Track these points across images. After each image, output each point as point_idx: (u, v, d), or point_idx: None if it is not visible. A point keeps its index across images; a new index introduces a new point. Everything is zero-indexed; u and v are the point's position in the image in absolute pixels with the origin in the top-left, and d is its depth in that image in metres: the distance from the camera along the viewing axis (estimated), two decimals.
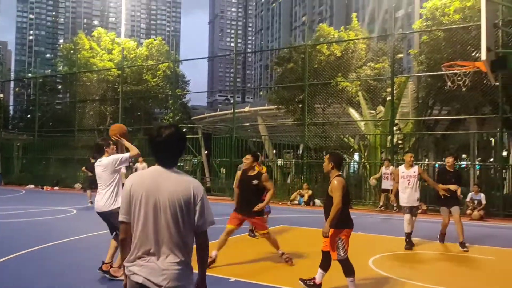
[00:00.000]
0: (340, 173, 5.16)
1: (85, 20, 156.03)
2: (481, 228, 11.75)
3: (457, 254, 7.90)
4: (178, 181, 2.46)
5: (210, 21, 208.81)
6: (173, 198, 2.40)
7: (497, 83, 14.02)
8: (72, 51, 31.94)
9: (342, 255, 4.96)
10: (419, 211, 14.18)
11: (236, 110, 22.13)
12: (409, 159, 8.59)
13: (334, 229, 4.95)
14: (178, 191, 2.42)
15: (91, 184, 15.85)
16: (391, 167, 14.88)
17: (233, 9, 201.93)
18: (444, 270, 6.73)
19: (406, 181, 8.40)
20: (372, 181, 15.18)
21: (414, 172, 8.39)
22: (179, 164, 23.12)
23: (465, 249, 7.96)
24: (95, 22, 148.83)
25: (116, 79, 27.41)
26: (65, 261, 6.76)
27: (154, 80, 28.74)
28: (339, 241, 4.95)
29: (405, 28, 52.95)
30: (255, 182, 6.60)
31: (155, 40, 32.31)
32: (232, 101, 22.20)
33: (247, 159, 7.03)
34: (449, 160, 8.63)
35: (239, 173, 7.23)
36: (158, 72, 28.98)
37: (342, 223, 4.96)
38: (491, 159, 21.47)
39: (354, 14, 25.08)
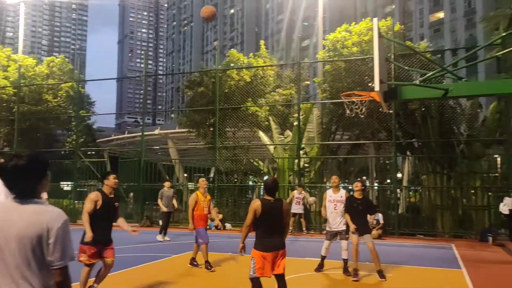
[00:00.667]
0: (264, 197, 5.36)
1: None
2: (379, 246, 12.50)
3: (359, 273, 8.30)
4: (31, 214, 2.16)
5: (119, 41, 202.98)
6: (22, 234, 2.11)
7: (391, 111, 15.33)
8: None
9: (251, 273, 5.13)
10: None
11: (146, 133, 21.56)
12: (333, 181, 8.44)
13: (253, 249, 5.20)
14: (29, 226, 2.12)
15: None
16: (303, 192, 15.46)
17: (143, 30, 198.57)
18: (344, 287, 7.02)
19: (332, 206, 8.17)
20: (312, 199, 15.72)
21: (341, 197, 8.13)
22: (82, 189, 21.83)
23: (383, 279, 7.52)
24: None
25: (12, 98, 25.29)
26: None
27: (56, 100, 26.99)
28: (252, 260, 5.14)
29: (310, 58, 56.13)
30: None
31: (57, 58, 30.49)
32: (141, 123, 21.56)
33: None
34: (356, 185, 7.93)
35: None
36: (60, 92, 27.27)
37: (256, 244, 5.20)
38: (388, 181, 23.25)
39: (262, 42, 25.98)
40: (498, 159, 16.69)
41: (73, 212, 19.60)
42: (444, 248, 12.36)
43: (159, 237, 13.09)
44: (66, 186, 22.87)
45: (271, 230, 5.26)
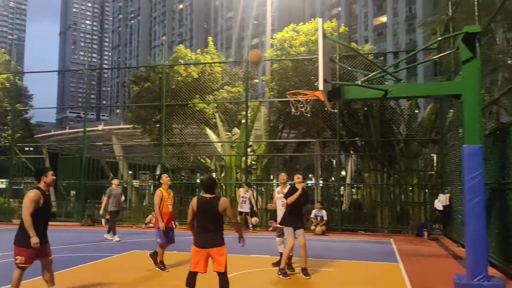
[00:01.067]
0: (201, 194, 5.53)
1: None
2: (323, 242, 12.87)
3: (300, 267, 8.46)
4: None
5: (61, 32, 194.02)
6: None
7: (335, 111, 15.76)
8: None
9: (189, 267, 5.39)
10: (270, 228, 15.01)
11: (89, 129, 20.82)
12: (281, 178, 8.53)
13: None
14: None
15: None
16: (250, 191, 15.56)
17: (87, 22, 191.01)
18: (288, 283, 7.13)
19: (280, 202, 8.27)
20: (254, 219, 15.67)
21: None
22: (18, 187, 20.68)
23: (308, 276, 7.50)
24: None
25: None
26: None
27: None
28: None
29: None
30: None
31: None
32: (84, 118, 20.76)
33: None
34: (298, 176, 8.07)
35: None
36: None
37: (194, 240, 5.42)
38: (332, 178, 23.91)
39: (210, 38, 25.79)
40: (434, 157, 17.62)
41: (8, 211, 18.58)
42: (383, 243, 12.89)
43: (108, 236, 12.62)
44: (1, 183, 21.59)
45: (205, 227, 5.36)
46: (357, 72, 14.68)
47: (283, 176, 8.68)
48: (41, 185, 5.59)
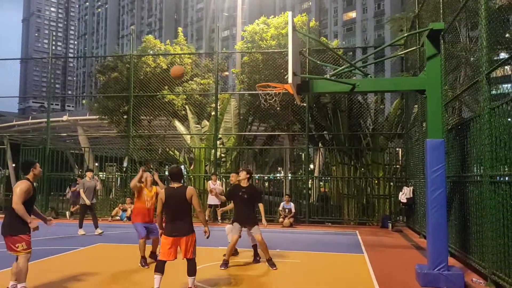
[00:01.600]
0: (169, 185, 5.76)
1: None
2: (291, 234, 13.02)
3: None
4: None
5: (24, 19, 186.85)
6: None
7: (304, 104, 15.90)
8: None
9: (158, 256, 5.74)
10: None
11: (53, 119, 20.25)
12: (231, 179, 8.75)
13: None
14: None
15: None
16: (218, 182, 15.50)
17: (52, 9, 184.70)
18: (254, 275, 7.19)
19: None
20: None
21: None
22: None
23: (274, 267, 7.61)
24: None
25: None
26: None
27: None
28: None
29: (229, 48, 56.19)
30: None
31: None
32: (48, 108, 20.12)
33: None
34: (241, 174, 7.96)
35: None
36: None
37: (164, 229, 5.74)
38: (301, 171, 24.15)
39: (180, 29, 25.44)
40: (399, 151, 18.07)
41: None
42: (349, 234, 13.15)
43: (81, 231, 12.19)
44: None
45: (174, 216, 5.60)
46: (326, 66, 14.83)
47: (231, 177, 8.77)
48: (30, 176, 5.79)
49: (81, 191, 12.53)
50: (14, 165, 26.59)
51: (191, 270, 5.68)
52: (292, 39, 6.86)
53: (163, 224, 5.87)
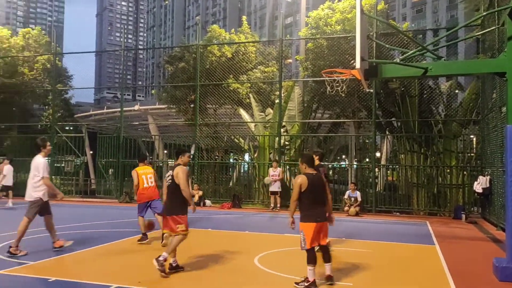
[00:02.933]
0: (308, 171, 5.64)
1: None
2: (357, 223, 12.79)
3: (334, 248, 8.47)
4: None
5: (98, 13, 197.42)
6: None
7: (371, 90, 15.42)
8: None
9: (303, 246, 5.48)
10: None
11: (125, 109, 21.28)
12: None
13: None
14: None
15: None
16: (278, 168, 15.52)
17: (123, 3, 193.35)
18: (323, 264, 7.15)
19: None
20: (266, 179, 15.74)
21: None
22: (59, 165, 21.47)
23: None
24: None
25: None
26: None
27: (32, 73, 26.24)
28: (301, 234, 5.49)
29: (293, 35, 55.72)
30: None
31: (33, 29, 29.52)
32: (121, 98, 21.21)
33: None
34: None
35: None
36: (36, 65, 26.51)
37: (303, 217, 5.52)
38: (367, 159, 23.56)
39: (244, 18, 25.61)
40: (474, 139, 17.04)
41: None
42: (418, 224, 12.67)
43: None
44: None
45: (316, 202, 5.55)
46: (395, 49, 14.26)
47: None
48: (181, 161, 6.43)
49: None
50: (91, 152, 28.36)
51: (327, 256, 5.69)
52: (360, 22, 6.66)
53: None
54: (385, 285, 6.06)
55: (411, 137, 17.14)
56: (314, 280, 5.40)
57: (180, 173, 6.13)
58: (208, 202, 16.91)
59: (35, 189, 7.27)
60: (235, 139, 21.02)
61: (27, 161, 19.45)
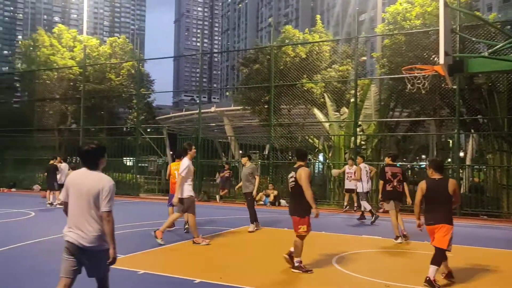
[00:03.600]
0: (434, 176, 5.96)
1: (45, 16, 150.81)
2: None
3: (416, 252, 8.15)
4: (94, 178, 3.74)
5: (176, 20, 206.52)
6: (89, 189, 3.68)
7: (454, 86, 14.58)
8: (31, 48, 30.82)
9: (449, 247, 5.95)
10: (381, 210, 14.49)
11: (202, 110, 22.02)
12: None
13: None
14: (93, 185, 3.69)
15: (50, 185, 15.43)
16: (354, 166, 15.08)
17: (199, 9, 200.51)
18: (405, 268, 6.92)
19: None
20: (334, 171, 15.42)
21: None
22: (143, 165, 22.79)
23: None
24: (56, 19, 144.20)
25: (78, 78, 26.65)
26: (26, 265, 6.52)
27: (118, 79, 28.13)
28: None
29: (368, 32, 54.23)
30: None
31: (119, 38, 31.65)
32: (198, 101, 22.03)
33: None
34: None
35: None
36: (122, 71, 28.38)
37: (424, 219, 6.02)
38: (449, 160, 22.29)
39: (318, 17, 25.40)
40: None
41: (136, 186, 20.57)
42: (509, 229, 11.77)
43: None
44: (129, 161, 23.93)
45: (433, 206, 5.91)
46: (482, 42, 13.35)
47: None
48: (303, 163, 6.55)
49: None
50: (171, 152, 29.74)
51: (434, 259, 5.80)
52: (444, 15, 6.36)
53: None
54: None
55: (499, 135, 15.95)
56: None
57: (303, 174, 6.20)
58: (283, 202, 17.01)
59: (188, 187, 8.18)
60: (309, 139, 20.91)
61: (113, 161, 20.98)
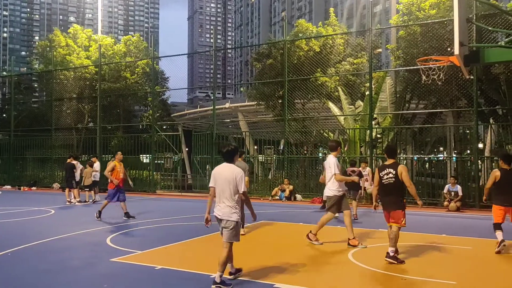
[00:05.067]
0: (504, 166, 7.54)
1: (60, 17, 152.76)
2: (458, 219, 12.03)
3: (434, 244, 8.08)
4: (231, 169, 5.35)
5: (189, 17, 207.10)
6: (228, 177, 5.29)
7: (471, 77, 14.33)
8: (48, 49, 31.28)
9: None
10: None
11: (217, 107, 22.08)
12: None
13: None
14: (230, 174, 5.30)
15: (69, 183, 15.70)
16: (368, 168, 14.60)
17: (212, 5, 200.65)
18: (422, 260, 6.86)
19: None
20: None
21: None
22: (159, 162, 22.98)
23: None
24: (71, 19, 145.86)
25: (94, 77, 26.95)
26: (48, 261, 6.66)
27: (133, 77, 28.37)
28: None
29: (382, 23, 53.59)
30: None
31: (133, 36, 31.89)
32: (212, 97, 22.10)
33: None
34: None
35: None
36: (136, 69, 28.61)
37: (495, 200, 7.66)
38: (467, 151, 21.95)
39: (331, 9, 25.21)
40: None
41: (152, 183, 20.78)
42: None
43: None
44: (145, 158, 24.17)
45: (505, 190, 7.35)
46: (499, 31, 13.10)
47: None
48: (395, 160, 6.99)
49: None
50: (187, 149, 29.93)
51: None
52: (458, 5, 6.25)
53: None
54: (492, 284, 5.65)
55: None
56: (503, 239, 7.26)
57: (403, 171, 6.66)
58: (298, 196, 17.00)
59: (330, 186, 7.94)
60: (324, 133, 20.82)
61: (129, 158, 21.22)
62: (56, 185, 21.97)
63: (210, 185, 5.39)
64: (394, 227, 6.67)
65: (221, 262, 5.21)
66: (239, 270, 5.78)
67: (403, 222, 6.68)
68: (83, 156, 23.18)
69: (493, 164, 18.30)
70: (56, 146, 23.85)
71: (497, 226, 7.42)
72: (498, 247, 7.21)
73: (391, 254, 6.56)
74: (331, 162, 7.85)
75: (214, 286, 5.13)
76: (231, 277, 5.63)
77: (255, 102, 24.53)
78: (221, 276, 5.20)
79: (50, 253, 7.24)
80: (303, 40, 21.15)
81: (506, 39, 6.66)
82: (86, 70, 27.57)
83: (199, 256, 7.09)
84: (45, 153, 23.71)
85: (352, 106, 19.36)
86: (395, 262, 6.47)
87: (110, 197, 11.01)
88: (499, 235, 7.32)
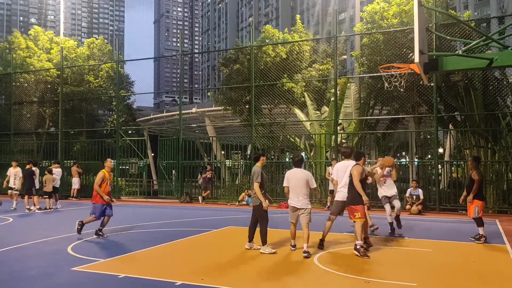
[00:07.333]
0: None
1: (21, 18, 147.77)
2: (419, 222, 12.37)
3: (396, 247, 8.27)
4: (302, 172, 7.50)
5: (156, 20, 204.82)
6: (300, 178, 7.41)
7: (431, 84, 14.84)
8: (7, 51, 30.14)
9: (475, 215, 8.81)
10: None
11: (183, 111, 21.88)
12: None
13: None
14: (302, 175, 7.43)
15: (28, 190, 15.13)
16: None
17: (179, 9, 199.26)
18: (385, 263, 7.01)
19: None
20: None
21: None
22: (123, 167, 22.50)
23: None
24: (32, 20, 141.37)
25: (56, 80, 26.14)
26: (2, 271, 6.37)
27: (97, 81, 27.71)
28: (476, 207, 8.77)
29: (347, 31, 54.73)
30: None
31: (97, 39, 31.18)
32: (179, 102, 21.89)
33: None
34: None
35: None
36: (100, 73, 27.95)
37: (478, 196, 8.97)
38: (428, 156, 22.66)
39: (298, 16, 25.51)
40: None
41: (116, 189, 20.33)
42: (487, 223, 12.00)
43: None
44: None
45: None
46: (457, 40, 13.62)
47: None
48: (361, 163, 7.73)
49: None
50: (152, 154, 29.47)
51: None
52: (418, 14, 6.46)
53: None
54: (452, 285, 5.83)
55: (476, 131, 16.30)
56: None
57: (354, 171, 7.53)
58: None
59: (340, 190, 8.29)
60: (291, 138, 20.99)
61: (93, 164, 20.70)
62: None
63: (284, 184, 7.51)
64: (356, 224, 7.52)
65: (306, 238, 7.33)
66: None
67: (357, 216, 7.42)
68: (44, 162, 22.40)
69: (453, 168, 18.99)
70: (15, 151, 22.97)
71: (481, 221, 8.80)
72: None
73: (358, 246, 7.28)
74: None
75: (305, 254, 7.10)
76: (293, 249, 7.73)
77: (222, 107, 24.48)
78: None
79: (6, 263, 6.94)
80: (270, 46, 21.31)
81: (464, 48, 6.92)
82: (48, 73, 26.71)
83: (163, 264, 6.98)
84: (3, 158, 22.80)
85: (318, 112, 19.63)
86: (359, 254, 7.15)
87: (97, 214, 9.51)
88: (481, 230, 8.82)
